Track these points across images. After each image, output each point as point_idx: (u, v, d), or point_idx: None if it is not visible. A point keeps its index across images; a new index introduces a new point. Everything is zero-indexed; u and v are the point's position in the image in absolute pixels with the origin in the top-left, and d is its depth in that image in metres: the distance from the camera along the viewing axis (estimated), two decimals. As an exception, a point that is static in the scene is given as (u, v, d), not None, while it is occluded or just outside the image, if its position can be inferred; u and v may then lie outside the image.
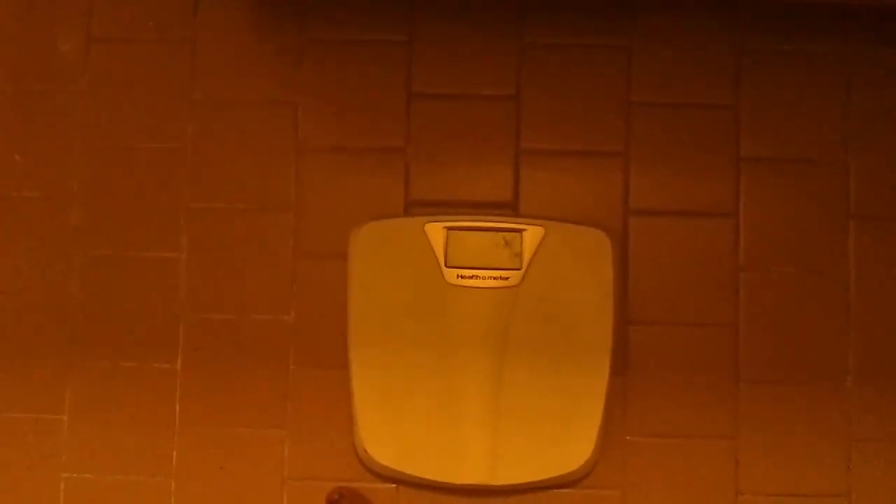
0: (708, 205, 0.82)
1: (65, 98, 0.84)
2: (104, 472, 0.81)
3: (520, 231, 0.78)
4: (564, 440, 0.78)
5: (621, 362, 0.80)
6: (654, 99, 0.83)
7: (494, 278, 0.78)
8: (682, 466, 0.80)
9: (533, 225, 0.78)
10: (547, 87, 0.83)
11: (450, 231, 0.78)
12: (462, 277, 0.78)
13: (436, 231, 0.78)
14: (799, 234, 0.81)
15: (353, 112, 0.83)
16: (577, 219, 0.81)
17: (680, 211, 0.82)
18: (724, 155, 0.82)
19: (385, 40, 0.84)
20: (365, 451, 0.78)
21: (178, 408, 0.82)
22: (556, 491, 0.79)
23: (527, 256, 0.78)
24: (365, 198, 0.83)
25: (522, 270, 0.78)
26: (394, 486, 0.79)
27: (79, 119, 0.84)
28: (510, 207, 0.82)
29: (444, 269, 0.78)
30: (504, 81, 0.83)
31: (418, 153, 0.83)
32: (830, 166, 0.82)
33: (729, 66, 0.82)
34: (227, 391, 0.81)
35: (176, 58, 0.84)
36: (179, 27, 0.85)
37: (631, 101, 0.83)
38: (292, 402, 0.81)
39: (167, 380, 0.82)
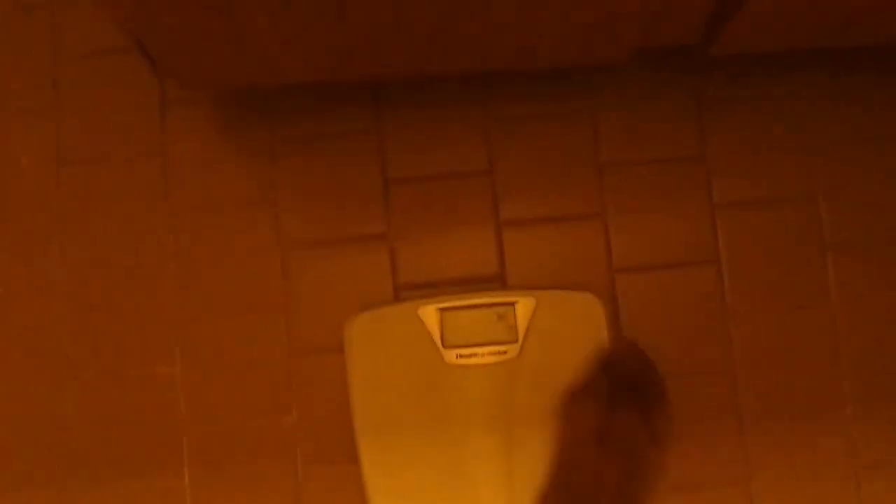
0: (689, 254, 0.83)
1: (40, 223, 0.84)
2: None
3: (511, 304, 0.79)
4: (582, 506, 0.78)
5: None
6: (623, 157, 0.85)
7: (493, 353, 0.78)
8: (699, 515, 0.80)
9: (524, 296, 0.79)
10: (519, 158, 0.85)
11: (443, 312, 0.79)
12: (461, 357, 0.78)
13: (429, 314, 0.79)
14: (780, 271, 0.83)
15: (332, 204, 0.84)
16: (564, 283, 0.82)
17: (663, 264, 0.83)
18: (699, 203, 0.84)
19: (355, 130, 0.85)
20: (384, 543, 0.78)
21: (190, 523, 0.80)
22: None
23: (521, 328, 0.79)
24: (354, 286, 0.83)
25: (519, 342, 0.79)
26: (418, 574, 0.79)
27: (56, 243, 0.84)
28: (498, 280, 0.83)
29: (443, 350, 0.79)
30: (476, 156, 0.85)
31: (401, 236, 0.84)
32: (801, 202, 0.84)
33: (691, 117, 0.85)
34: (239, 499, 0.80)
35: (148, 171, 0.85)
36: (148, 140, 0.85)
37: (601, 161, 0.84)
38: (305, 501, 0.80)
39: (176, 495, 0.81)
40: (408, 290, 0.83)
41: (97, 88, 0.86)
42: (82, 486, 0.81)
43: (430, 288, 0.83)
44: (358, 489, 0.79)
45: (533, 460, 0.77)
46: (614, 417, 0.73)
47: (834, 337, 0.83)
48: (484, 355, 0.78)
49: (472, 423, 0.78)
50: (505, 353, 0.78)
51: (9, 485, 0.81)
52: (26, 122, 0.85)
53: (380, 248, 0.84)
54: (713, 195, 0.84)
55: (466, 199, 0.84)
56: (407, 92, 0.85)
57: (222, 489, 0.81)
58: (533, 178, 0.84)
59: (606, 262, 0.83)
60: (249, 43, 0.63)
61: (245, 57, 0.66)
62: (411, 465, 0.79)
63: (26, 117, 0.85)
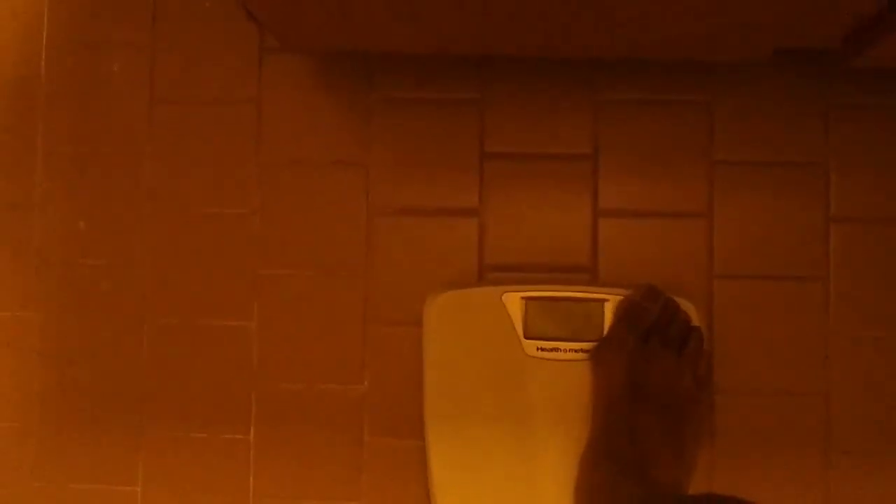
0: (797, 267, 0.78)
1: (128, 161, 0.83)
2: (179, 545, 0.81)
3: (601, 301, 0.75)
4: (649, 515, 0.75)
5: (708, 431, 0.77)
6: (738, 156, 0.79)
7: (575, 350, 0.75)
8: (770, 539, 0.77)
9: (615, 295, 0.75)
10: (625, 145, 0.80)
11: (528, 301, 0.76)
12: (541, 350, 0.75)
13: (514, 301, 0.76)
14: (893, 298, 0.78)
15: (424, 172, 0.81)
16: (659, 283, 0.77)
17: (767, 274, 0.78)
18: (814, 215, 0.78)
19: (456, 99, 0.81)
20: (443, 526, 0.76)
21: (252, 480, 0.80)
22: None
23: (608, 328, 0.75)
24: (438, 260, 0.80)
25: (604, 342, 0.75)
26: (473, 561, 0.78)
27: (143, 183, 0.83)
28: (588, 271, 0.79)
29: (523, 341, 0.76)
30: (580, 139, 0.80)
31: (492, 214, 0.80)
32: (926, 226, 0.78)
33: (816, 122, 0.78)
34: (301, 462, 0.80)
35: (241, 118, 0.82)
36: (243, 87, 0.82)
37: (714, 158, 0.79)
38: (367, 473, 0.80)
39: (240, 451, 0.81)
40: (493, 271, 0.80)
41: (197, 29, 0.83)
42: (150, 429, 0.81)
43: (517, 271, 0.80)
44: (421, 466, 0.78)
45: (604, 463, 0.75)
46: (646, 366, 0.70)
47: (942, 373, 0.77)
48: (565, 351, 0.75)
49: (545, 418, 0.76)
50: (588, 350, 0.75)
51: (79, 421, 0.82)
52: (123, 55, 0.83)
53: (469, 223, 0.80)
54: (830, 208, 0.78)
55: (565, 182, 0.80)
56: (514, 65, 0.80)
57: (286, 449, 0.80)
58: (638, 169, 0.80)
59: (707, 265, 0.79)
60: (357, 13, 0.59)
61: (351, 25, 0.62)
62: (477, 450, 0.77)
63: (124, 51, 0.83)
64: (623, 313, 0.74)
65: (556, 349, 0.75)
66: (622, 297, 0.74)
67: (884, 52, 0.61)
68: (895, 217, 0.78)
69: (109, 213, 0.82)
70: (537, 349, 0.75)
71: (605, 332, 0.75)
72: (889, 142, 0.78)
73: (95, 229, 0.83)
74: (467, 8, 0.56)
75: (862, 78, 0.78)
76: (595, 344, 0.75)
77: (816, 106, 0.78)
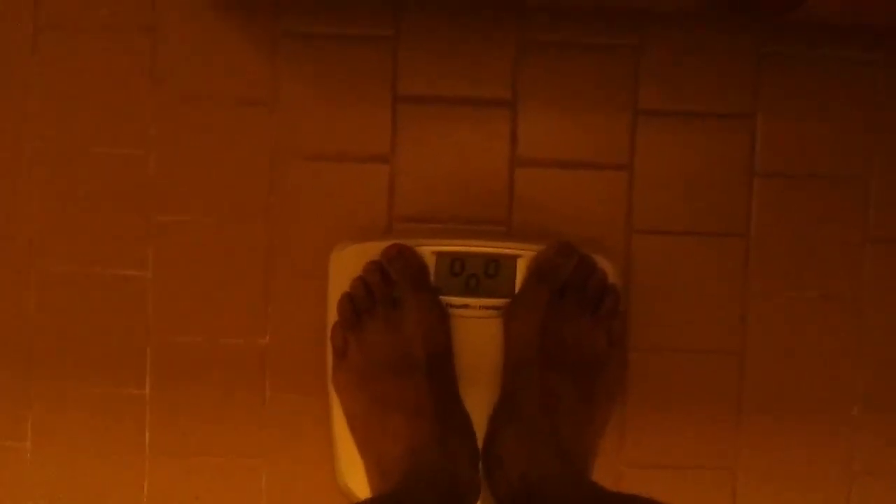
0: (718, 223, 0.76)
1: (11, 94, 0.76)
2: (72, 502, 0.77)
3: (513, 257, 0.72)
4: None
5: (620, 391, 0.75)
6: (663, 106, 0.75)
7: (485, 308, 0.72)
8: (678, 497, 0.76)
9: (528, 250, 0.72)
10: (546, 91, 0.75)
11: (439, 256, 0.72)
12: (451, 307, 0.72)
13: (423, 256, 0.72)
14: (814, 256, 0.76)
15: (332, 114, 0.76)
16: (575, 237, 0.74)
17: (687, 230, 0.76)
18: (738, 170, 0.75)
19: (369, 35, 0.75)
20: (346, 485, 0.74)
21: (148, 435, 0.77)
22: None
23: (521, 284, 0.72)
24: (345, 209, 0.76)
25: (516, 299, 0.72)
26: (377, 520, 0.76)
27: (28, 118, 0.76)
28: (503, 224, 0.76)
29: (433, 297, 0.72)
30: (499, 84, 0.75)
31: (404, 162, 0.76)
32: (849, 183, 0.76)
33: (747, 73, 0.75)
34: (201, 418, 0.77)
35: (134, 49, 0.75)
36: (137, 14, 0.75)
37: (638, 107, 0.75)
38: (269, 429, 0.77)
39: (136, 406, 0.77)
40: (403, 222, 0.76)
41: (83, -54, 0.75)
42: (39, 383, 0.77)
43: (428, 222, 0.76)
44: (324, 424, 0.75)
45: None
46: (559, 326, 0.68)
47: (858, 335, 0.76)
48: (476, 308, 0.72)
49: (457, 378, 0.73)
50: (500, 308, 0.72)
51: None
52: (3, -26, 0.76)
53: (379, 170, 0.76)
54: (755, 163, 0.75)
55: (482, 129, 0.76)
56: (433, 1, 0.75)
57: (184, 405, 0.77)
58: (559, 116, 0.76)
59: (626, 219, 0.76)
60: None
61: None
62: (384, 408, 0.74)
63: (3, -30, 0.76)
64: (537, 270, 0.70)
65: (465, 306, 0.72)
66: (536, 253, 0.71)
67: (816, 6, 0.57)
68: (820, 173, 0.75)
69: (-10, 150, 0.76)
70: (447, 306, 0.72)
71: (518, 289, 0.72)
72: (820, 97, 0.75)
73: (-26, 168, 0.76)
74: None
75: (797, 29, 0.74)
76: (507, 301, 0.71)
77: (748, 56, 0.75)
